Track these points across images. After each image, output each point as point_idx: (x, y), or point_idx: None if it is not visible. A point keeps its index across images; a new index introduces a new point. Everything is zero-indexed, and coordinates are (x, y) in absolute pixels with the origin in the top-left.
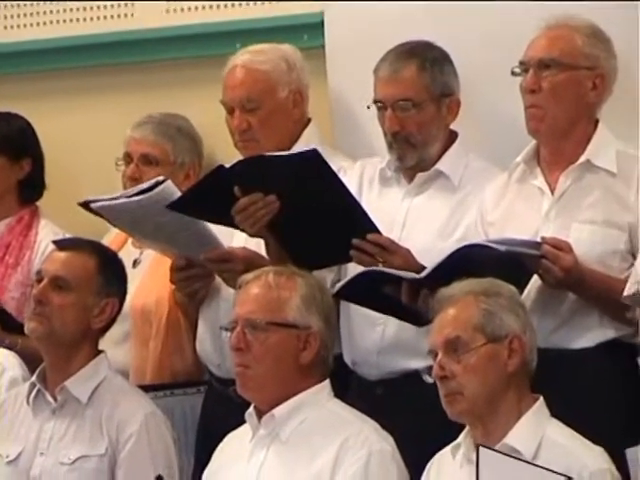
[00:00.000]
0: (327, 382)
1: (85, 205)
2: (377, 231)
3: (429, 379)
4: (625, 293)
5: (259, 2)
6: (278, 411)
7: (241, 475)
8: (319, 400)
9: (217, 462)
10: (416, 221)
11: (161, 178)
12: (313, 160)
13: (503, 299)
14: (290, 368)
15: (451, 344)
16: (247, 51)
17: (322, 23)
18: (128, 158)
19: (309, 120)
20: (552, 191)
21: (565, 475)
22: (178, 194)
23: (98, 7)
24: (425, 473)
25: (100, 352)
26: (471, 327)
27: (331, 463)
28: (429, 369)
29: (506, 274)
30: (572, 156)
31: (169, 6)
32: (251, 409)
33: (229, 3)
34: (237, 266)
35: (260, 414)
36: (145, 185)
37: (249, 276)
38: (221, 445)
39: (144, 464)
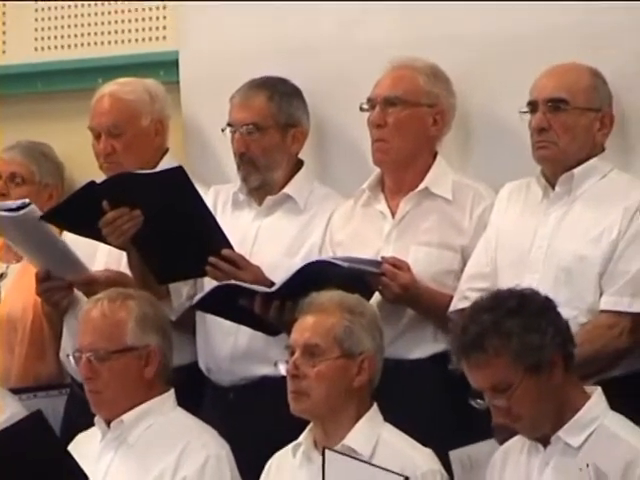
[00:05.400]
0: (172, 392)
1: None
2: (231, 247)
3: (282, 370)
4: (451, 309)
5: (120, 41)
6: (127, 417)
7: (90, 475)
8: (164, 409)
9: None
10: (265, 240)
11: (27, 201)
12: (178, 176)
13: (365, 320)
14: (136, 384)
15: (309, 348)
16: (115, 83)
17: (177, 61)
18: None
19: (167, 149)
20: (393, 215)
21: (403, 475)
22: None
23: None
24: (265, 470)
25: None
26: (331, 338)
27: (173, 465)
28: (286, 362)
29: (351, 289)
30: (413, 184)
31: (37, 44)
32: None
33: (92, 41)
34: (99, 289)
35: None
36: (13, 204)
37: (87, 304)
38: (71, 445)
39: None
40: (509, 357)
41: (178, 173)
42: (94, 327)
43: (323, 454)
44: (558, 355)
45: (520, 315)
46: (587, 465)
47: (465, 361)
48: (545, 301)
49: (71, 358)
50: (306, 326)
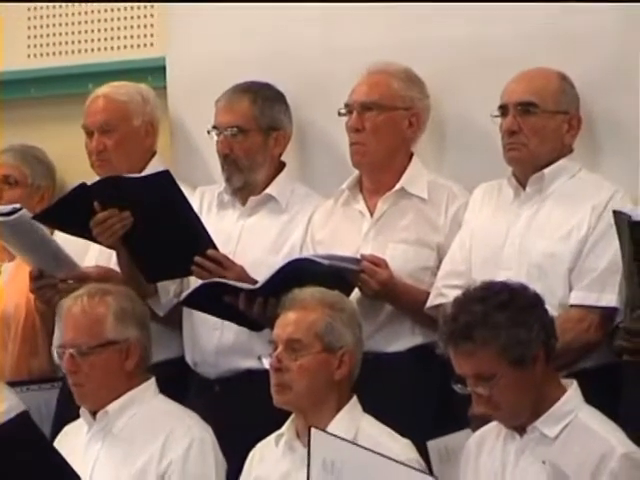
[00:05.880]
0: (152, 380)
1: None
2: (215, 248)
3: (266, 363)
4: (428, 305)
5: (109, 48)
6: (111, 407)
7: (77, 466)
8: (146, 397)
9: None
10: (249, 238)
11: (18, 206)
12: (165, 180)
13: (345, 315)
14: (118, 377)
15: (291, 343)
16: (109, 85)
17: (164, 66)
18: None
19: (155, 152)
20: (371, 214)
21: (382, 454)
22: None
23: None
24: (249, 459)
25: None
26: (313, 333)
27: (158, 452)
28: (269, 355)
29: (331, 286)
30: (390, 184)
31: (30, 52)
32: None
33: (82, 48)
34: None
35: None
36: (5, 209)
37: (68, 301)
38: (59, 437)
39: None
40: (495, 349)
41: (165, 177)
42: (75, 323)
43: (309, 433)
44: (541, 350)
45: (509, 309)
46: (543, 462)
47: (452, 349)
48: (534, 297)
49: (55, 353)
50: (288, 321)
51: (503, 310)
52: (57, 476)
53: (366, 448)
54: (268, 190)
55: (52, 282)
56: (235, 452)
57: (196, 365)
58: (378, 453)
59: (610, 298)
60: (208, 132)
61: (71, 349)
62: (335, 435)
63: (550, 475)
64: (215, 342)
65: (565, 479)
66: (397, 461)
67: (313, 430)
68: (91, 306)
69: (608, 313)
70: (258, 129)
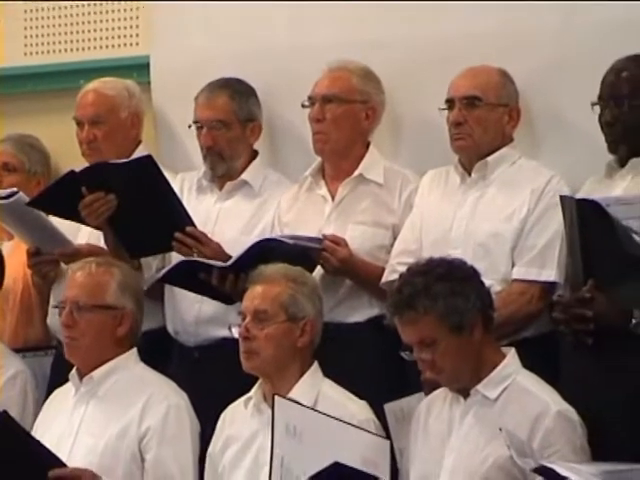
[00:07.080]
0: (134, 350)
1: None
2: (194, 226)
3: (235, 333)
4: (383, 280)
5: (99, 47)
6: (96, 373)
7: (65, 425)
8: (128, 365)
9: (45, 413)
10: (225, 220)
11: (15, 189)
12: (147, 163)
13: (307, 288)
14: (108, 340)
15: (258, 314)
16: (98, 81)
17: (148, 64)
18: None
19: (140, 141)
20: (333, 198)
21: (341, 420)
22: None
23: None
24: (220, 420)
25: None
26: (277, 304)
27: (138, 415)
28: (239, 326)
29: (296, 263)
30: (349, 171)
31: (27, 50)
32: (74, 371)
33: (74, 47)
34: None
35: (81, 375)
36: (3, 193)
37: (77, 265)
38: (50, 399)
39: None
40: (435, 316)
41: (148, 161)
42: (80, 283)
43: (273, 400)
44: (478, 318)
45: (448, 280)
46: (500, 429)
47: (398, 318)
48: (470, 270)
49: (55, 310)
50: (255, 294)
51: (442, 281)
52: (38, 461)
53: (325, 414)
54: (243, 176)
55: (48, 258)
56: (212, 411)
57: (177, 334)
58: (336, 418)
59: (549, 273)
60: (189, 126)
61: (72, 305)
62: (297, 402)
63: (507, 441)
64: (195, 314)
65: (521, 445)
66: (353, 425)
67: (276, 398)
68: (98, 272)
69: (547, 287)
70: (237, 121)
